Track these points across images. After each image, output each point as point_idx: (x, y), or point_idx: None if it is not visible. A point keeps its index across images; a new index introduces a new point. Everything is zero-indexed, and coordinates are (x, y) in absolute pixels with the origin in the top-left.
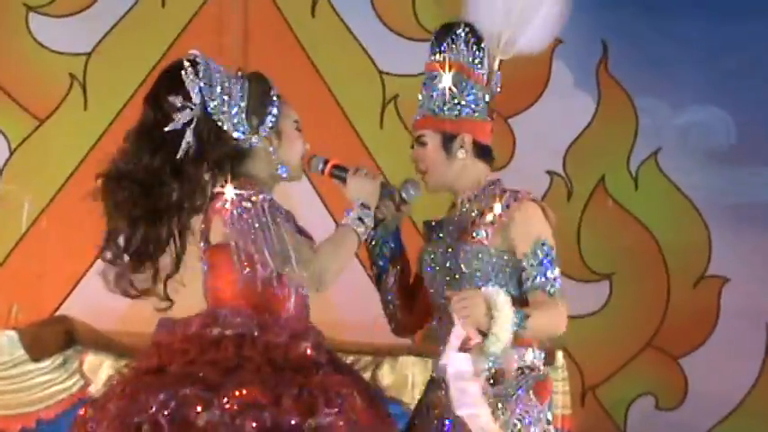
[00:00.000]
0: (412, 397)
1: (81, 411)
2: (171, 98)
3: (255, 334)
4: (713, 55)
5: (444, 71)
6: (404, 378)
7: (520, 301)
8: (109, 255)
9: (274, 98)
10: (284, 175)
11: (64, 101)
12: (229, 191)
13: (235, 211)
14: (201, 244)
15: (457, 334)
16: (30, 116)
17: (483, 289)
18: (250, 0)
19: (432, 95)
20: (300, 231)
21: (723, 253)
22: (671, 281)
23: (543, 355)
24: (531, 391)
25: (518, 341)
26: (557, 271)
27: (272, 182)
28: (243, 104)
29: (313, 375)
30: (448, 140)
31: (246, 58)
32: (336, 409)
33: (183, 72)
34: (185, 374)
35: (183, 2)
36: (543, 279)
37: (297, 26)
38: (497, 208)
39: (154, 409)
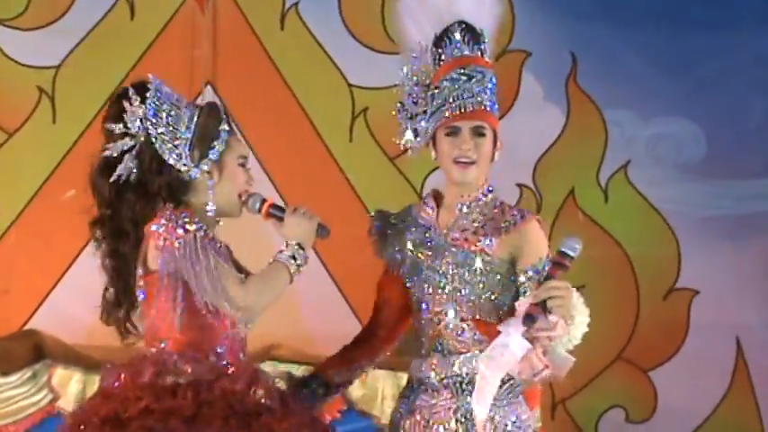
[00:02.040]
0: (382, 410)
1: None
2: (108, 125)
3: (210, 379)
4: (683, 66)
5: (473, 65)
6: (374, 391)
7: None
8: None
9: (222, 132)
10: (210, 213)
11: (32, 114)
12: (165, 215)
13: (167, 238)
14: (139, 270)
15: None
16: None
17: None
18: (219, 12)
19: (474, 89)
20: (235, 265)
21: (693, 266)
22: (641, 293)
23: None
24: (520, 396)
25: None
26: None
27: (222, 212)
28: (188, 135)
29: (271, 422)
30: (495, 138)
31: (216, 70)
32: None
33: (131, 97)
34: (147, 428)
35: (152, 15)
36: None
37: (266, 38)
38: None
39: None
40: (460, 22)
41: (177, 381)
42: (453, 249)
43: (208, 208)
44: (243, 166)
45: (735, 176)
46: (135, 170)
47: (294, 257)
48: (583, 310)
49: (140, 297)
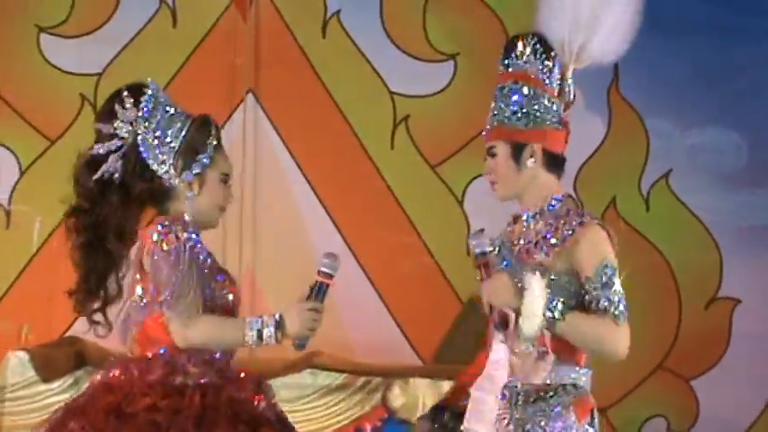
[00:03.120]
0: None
1: None
2: (99, 126)
3: (218, 383)
4: (724, 76)
5: (514, 82)
6: (415, 400)
7: None
8: (77, 290)
9: (209, 146)
10: (187, 219)
11: (75, 121)
12: (160, 223)
13: (160, 245)
14: (137, 275)
15: (494, 324)
16: (41, 136)
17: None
18: (261, 20)
19: (501, 106)
20: (219, 270)
21: (735, 275)
22: (682, 302)
23: (589, 373)
24: (570, 407)
25: (567, 356)
26: (619, 290)
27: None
28: (175, 144)
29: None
30: (518, 150)
31: (258, 77)
32: None
33: (123, 98)
34: (155, 423)
35: (194, 22)
36: (607, 302)
37: (307, 46)
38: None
39: None
40: (533, 35)
41: (186, 382)
42: (520, 264)
43: (185, 218)
44: (224, 182)
45: None
46: (119, 171)
47: (261, 335)
48: (530, 284)
49: (139, 298)
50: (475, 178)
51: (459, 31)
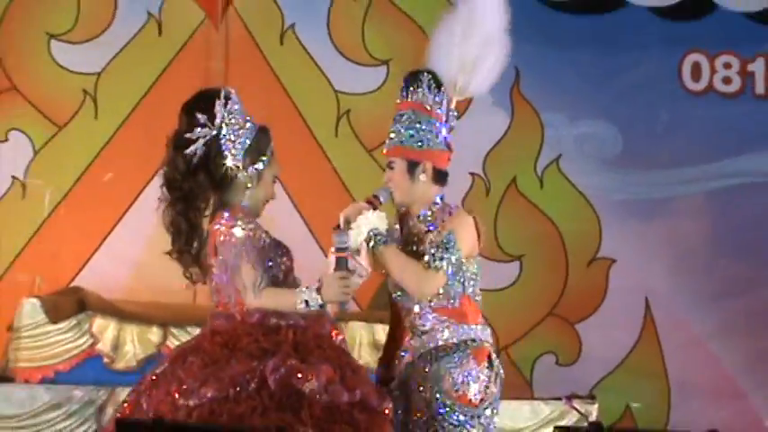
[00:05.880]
0: (359, 356)
1: (151, 377)
2: (198, 114)
3: (304, 324)
4: (605, 80)
5: (412, 111)
6: (352, 340)
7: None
8: (175, 248)
9: (269, 152)
10: (245, 206)
11: (78, 111)
12: (224, 216)
13: (225, 235)
14: (211, 256)
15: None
16: (51, 123)
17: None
18: (230, 31)
19: (400, 129)
20: (278, 245)
21: (611, 239)
22: (569, 261)
23: (487, 331)
24: (469, 357)
25: (460, 319)
26: (448, 257)
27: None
28: (246, 144)
29: (354, 360)
30: (412, 167)
31: (227, 78)
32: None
33: (216, 99)
34: (261, 349)
35: (175, 32)
36: (430, 254)
37: (268, 52)
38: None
39: (269, 368)
40: (427, 72)
41: (279, 323)
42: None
43: (243, 205)
44: (274, 182)
45: (645, 168)
46: (201, 154)
47: (307, 303)
48: (365, 216)
49: (215, 278)
50: None
51: (391, 42)
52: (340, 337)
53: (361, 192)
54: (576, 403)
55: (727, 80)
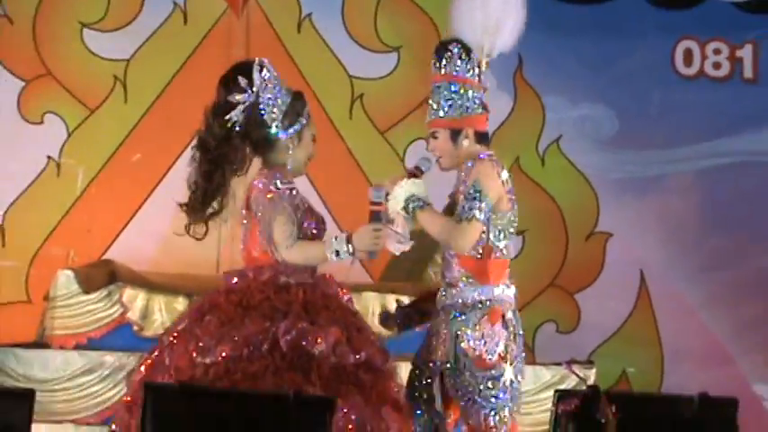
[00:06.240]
0: (372, 323)
1: (169, 338)
2: (239, 78)
3: (312, 282)
4: (602, 65)
5: (447, 82)
6: (365, 309)
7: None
8: (189, 203)
9: (306, 114)
10: (289, 168)
11: (109, 96)
12: (264, 174)
13: (265, 191)
14: (243, 210)
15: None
16: (83, 107)
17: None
18: (251, 21)
19: (439, 100)
20: (311, 212)
21: (608, 215)
22: (569, 236)
23: (510, 291)
24: (484, 317)
25: (482, 277)
26: (476, 205)
27: (294, 171)
28: (284, 108)
29: (360, 319)
30: (454, 134)
31: None
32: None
33: (254, 67)
34: (273, 308)
35: (200, 21)
36: (461, 208)
37: (286, 39)
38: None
39: (281, 331)
40: (455, 41)
41: (288, 281)
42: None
43: (288, 164)
44: (313, 141)
45: (640, 148)
46: (241, 120)
47: (338, 252)
48: (404, 183)
49: (243, 229)
50: (413, 141)
51: (402, 30)
52: (346, 297)
53: (374, 169)
54: (576, 368)
55: (717, 65)
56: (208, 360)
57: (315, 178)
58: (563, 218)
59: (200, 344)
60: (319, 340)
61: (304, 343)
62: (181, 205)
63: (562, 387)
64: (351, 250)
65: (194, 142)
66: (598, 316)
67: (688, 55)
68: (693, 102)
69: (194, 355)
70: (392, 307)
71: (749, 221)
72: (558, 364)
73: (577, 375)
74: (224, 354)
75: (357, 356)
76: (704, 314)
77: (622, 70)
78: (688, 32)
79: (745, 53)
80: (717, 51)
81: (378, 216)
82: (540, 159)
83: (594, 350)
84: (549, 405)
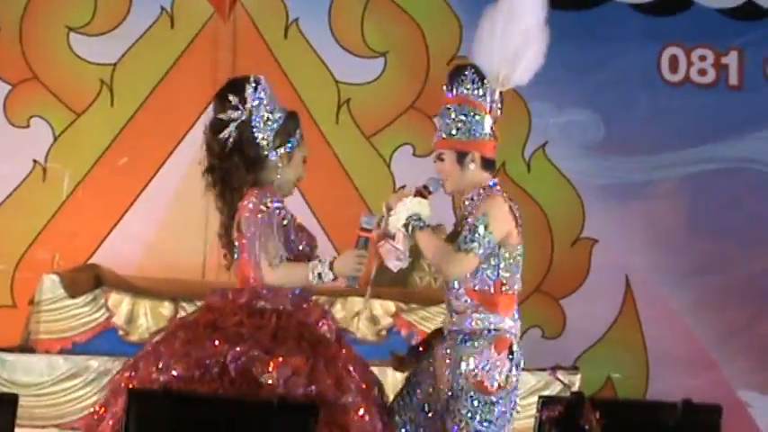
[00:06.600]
0: (357, 328)
1: (147, 347)
2: (231, 96)
3: (290, 310)
4: (588, 70)
5: (458, 105)
6: (351, 314)
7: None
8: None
9: (298, 135)
10: (276, 187)
11: (95, 100)
12: (254, 194)
13: (255, 210)
14: (236, 232)
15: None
16: (70, 111)
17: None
18: (238, 25)
19: (448, 122)
20: (300, 228)
21: (593, 221)
22: (554, 241)
23: (513, 322)
24: (491, 345)
25: (491, 307)
26: (479, 239)
27: (282, 191)
28: (276, 127)
29: (333, 350)
30: (461, 157)
31: (235, 69)
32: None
33: (247, 84)
34: (239, 333)
35: (187, 25)
36: (461, 236)
37: (273, 44)
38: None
39: (228, 358)
40: (470, 66)
41: (265, 306)
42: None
43: (274, 185)
44: (304, 162)
45: (626, 154)
46: (234, 137)
47: (320, 275)
48: (406, 201)
49: (236, 251)
50: (399, 146)
51: (388, 35)
52: (325, 328)
53: (360, 174)
54: (560, 374)
55: (702, 72)
56: (162, 378)
57: (300, 183)
58: (549, 224)
59: (160, 361)
60: (270, 369)
61: (253, 370)
62: (219, 236)
63: (546, 393)
64: (332, 277)
65: (202, 167)
66: (583, 322)
67: (674, 61)
68: (679, 108)
69: (153, 370)
70: (399, 351)
71: (734, 227)
72: (543, 369)
73: (562, 381)
74: (175, 373)
75: (309, 389)
76: (689, 320)
77: (608, 76)
78: (674, 39)
79: (731, 60)
80: (702, 58)
81: (364, 242)
82: (526, 165)
83: (580, 356)
84: (534, 411)
